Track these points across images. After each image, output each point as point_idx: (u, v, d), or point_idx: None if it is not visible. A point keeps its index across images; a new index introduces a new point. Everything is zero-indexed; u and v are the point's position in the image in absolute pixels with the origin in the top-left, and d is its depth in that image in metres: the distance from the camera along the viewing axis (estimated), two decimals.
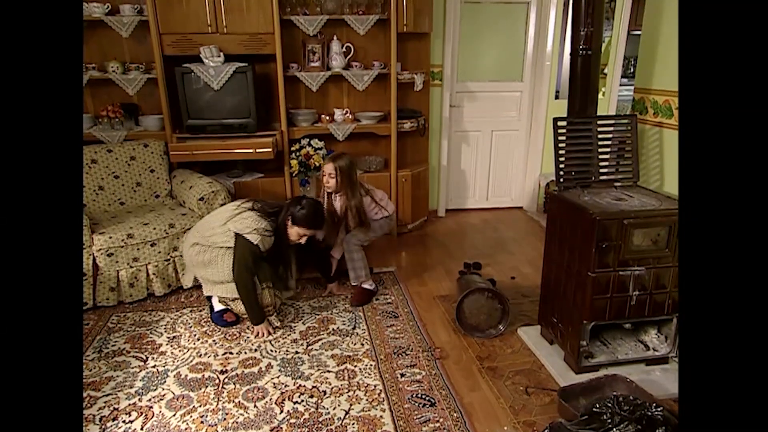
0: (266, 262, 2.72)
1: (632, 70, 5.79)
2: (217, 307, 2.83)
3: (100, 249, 2.91)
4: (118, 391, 2.27)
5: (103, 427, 2.05)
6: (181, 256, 3.03)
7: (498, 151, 4.73)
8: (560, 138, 2.40)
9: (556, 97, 4.57)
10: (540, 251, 3.62)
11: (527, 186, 4.85)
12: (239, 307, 2.76)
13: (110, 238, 2.93)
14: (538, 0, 4.36)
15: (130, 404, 2.18)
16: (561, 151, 2.41)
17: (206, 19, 3.50)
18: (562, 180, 2.42)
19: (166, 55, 3.53)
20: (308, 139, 3.79)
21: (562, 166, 2.42)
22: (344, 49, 3.84)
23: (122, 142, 3.58)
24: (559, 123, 2.40)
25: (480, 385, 2.31)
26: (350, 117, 3.96)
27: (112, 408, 2.16)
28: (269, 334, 2.71)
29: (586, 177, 2.45)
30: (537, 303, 2.69)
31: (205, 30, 3.53)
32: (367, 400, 2.19)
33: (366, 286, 3.13)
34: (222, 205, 3.18)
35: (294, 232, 2.67)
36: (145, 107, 3.85)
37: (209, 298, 2.89)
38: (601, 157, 2.46)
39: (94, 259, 2.93)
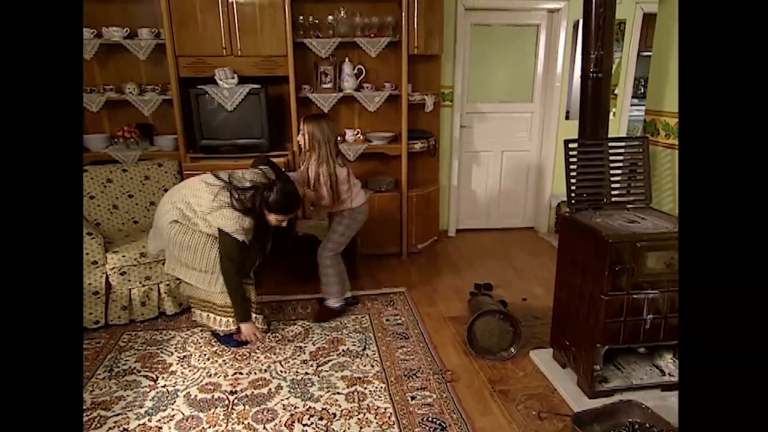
0: (249, 252, 2.69)
1: (642, 90, 5.80)
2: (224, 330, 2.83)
3: (113, 267, 2.94)
4: (128, 410, 2.27)
5: None
6: None
7: (508, 172, 4.74)
8: (571, 160, 2.40)
9: (567, 118, 4.58)
10: (551, 272, 3.59)
11: (538, 206, 4.83)
12: (199, 294, 2.74)
13: (123, 256, 2.96)
14: (548, 22, 4.41)
15: (139, 425, 2.18)
16: (572, 173, 2.41)
17: (221, 42, 3.58)
18: (573, 201, 2.41)
19: (181, 77, 3.61)
20: None
21: (573, 187, 2.41)
22: (356, 71, 3.89)
23: (137, 161, 3.64)
24: (571, 145, 2.40)
25: (492, 409, 2.28)
26: (361, 137, 4.00)
27: (121, 428, 2.15)
28: (258, 339, 2.65)
29: (598, 199, 2.44)
30: (549, 325, 2.66)
31: (220, 53, 3.61)
32: (377, 423, 2.17)
33: (329, 304, 3.08)
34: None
35: (272, 219, 2.63)
36: (160, 128, 3.92)
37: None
38: (612, 179, 2.46)
39: (107, 278, 2.95)
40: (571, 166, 2.40)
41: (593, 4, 2.37)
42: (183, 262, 2.69)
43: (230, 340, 2.80)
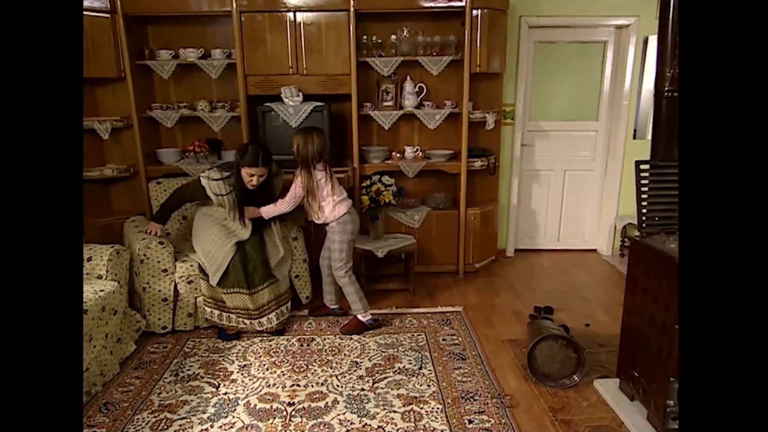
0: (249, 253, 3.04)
1: None
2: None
3: (182, 276, 3.08)
4: (192, 415, 2.35)
5: None
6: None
7: (571, 191, 4.60)
8: (643, 182, 2.30)
9: (634, 137, 4.41)
10: (616, 298, 3.44)
11: (602, 228, 4.66)
12: (205, 260, 3.03)
13: (191, 266, 3.09)
14: (616, 39, 4.28)
15: (202, 429, 2.25)
16: (644, 195, 2.30)
17: (288, 62, 3.72)
18: (644, 225, 2.31)
19: (249, 94, 3.76)
20: (379, 176, 3.86)
21: (644, 210, 2.31)
22: (417, 89, 3.92)
23: None
24: (642, 166, 2.30)
25: None
26: (420, 155, 4.01)
27: None
28: (156, 234, 3.12)
29: (671, 223, 2.32)
30: (614, 353, 2.54)
31: (287, 71, 3.74)
32: None
33: (361, 318, 3.14)
34: (295, 239, 3.35)
35: (245, 175, 3.01)
36: (227, 143, 4.09)
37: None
38: None
39: (175, 286, 3.09)
40: (643, 188, 2.30)
41: (670, 20, 2.28)
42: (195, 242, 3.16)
43: (224, 333, 3.08)
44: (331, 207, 3.07)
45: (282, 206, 3.08)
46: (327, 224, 3.15)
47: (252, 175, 3.00)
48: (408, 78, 3.93)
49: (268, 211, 3.09)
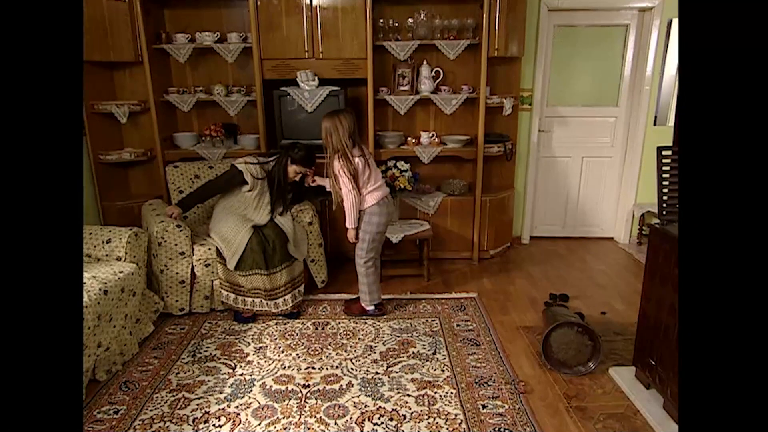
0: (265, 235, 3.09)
1: None
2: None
3: (199, 259, 3.11)
4: (209, 395, 2.39)
5: (195, 428, 2.16)
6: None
7: (588, 178, 4.54)
8: (664, 168, 2.25)
9: (654, 123, 4.32)
10: (634, 287, 3.41)
11: (619, 216, 4.59)
12: (222, 245, 3.06)
13: (208, 249, 3.12)
14: (638, 22, 4.18)
15: (219, 409, 2.29)
16: (665, 182, 2.26)
17: (304, 45, 3.70)
18: (665, 213, 2.27)
19: (265, 79, 3.76)
20: (394, 161, 3.85)
21: (665, 198, 2.27)
22: (433, 74, 3.88)
23: (222, 159, 3.83)
24: (664, 152, 2.26)
25: (568, 426, 2.18)
26: (436, 140, 3.98)
27: (203, 411, 2.27)
28: (174, 216, 3.11)
29: None
30: (630, 342, 2.52)
31: (302, 55, 3.72)
32: (447, 429, 2.14)
33: (365, 306, 3.16)
34: (310, 223, 3.37)
35: (292, 170, 3.20)
36: (243, 127, 4.11)
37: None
38: None
39: (192, 269, 3.13)
40: (664, 175, 2.26)
41: None
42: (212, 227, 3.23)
43: (240, 316, 3.12)
44: (361, 197, 2.97)
45: (349, 209, 2.94)
46: None
47: (298, 173, 3.22)
48: (424, 62, 3.89)
49: (349, 221, 2.98)
